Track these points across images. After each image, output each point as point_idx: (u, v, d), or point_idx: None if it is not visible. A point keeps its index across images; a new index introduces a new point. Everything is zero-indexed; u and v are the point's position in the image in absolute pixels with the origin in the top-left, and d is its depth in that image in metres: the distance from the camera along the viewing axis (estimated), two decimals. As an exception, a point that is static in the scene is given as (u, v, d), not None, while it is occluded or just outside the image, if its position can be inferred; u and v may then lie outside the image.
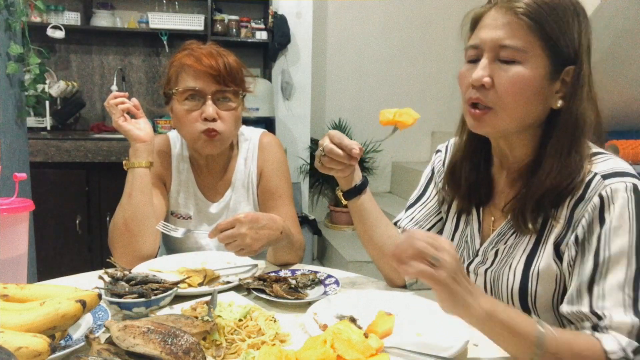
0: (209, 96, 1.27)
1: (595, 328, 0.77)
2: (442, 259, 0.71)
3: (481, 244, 0.98)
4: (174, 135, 1.44)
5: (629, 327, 0.74)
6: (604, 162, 0.84)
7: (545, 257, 0.86)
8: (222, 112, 1.28)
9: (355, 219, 1.12)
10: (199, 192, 1.41)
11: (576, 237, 0.82)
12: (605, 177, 0.80)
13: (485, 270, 0.96)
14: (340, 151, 0.98)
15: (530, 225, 0.87)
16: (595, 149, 0.87)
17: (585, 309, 0.78)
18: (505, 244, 0.93)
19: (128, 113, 1.27)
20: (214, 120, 1.27)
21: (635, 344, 0.74)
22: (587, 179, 0.82)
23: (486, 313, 0.73)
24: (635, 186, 0.79)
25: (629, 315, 0.75)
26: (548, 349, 0.73)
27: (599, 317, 0.77)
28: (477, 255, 0.99)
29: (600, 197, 0.79)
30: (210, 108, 1.26)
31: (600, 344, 0.74)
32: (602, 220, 0.79)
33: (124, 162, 1.26)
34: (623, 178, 0.79)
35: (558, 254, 0.85)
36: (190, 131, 1.29)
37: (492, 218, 0.99)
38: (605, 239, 0.78)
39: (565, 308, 0.82)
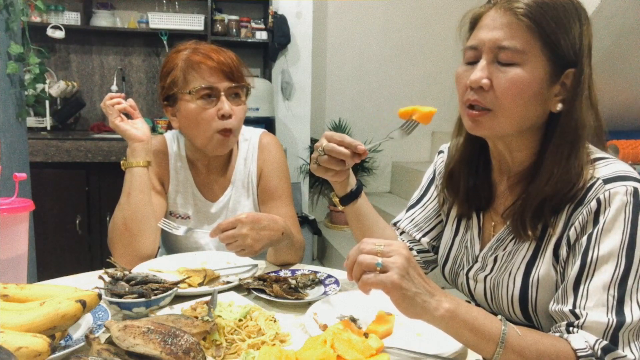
0: (223, 93, 1.27)
1: (568, 327, 0.77)
2: (386, 262, 0.71)
3: (481, 250, 0.97)
4: (170, 136, 1.44)
5: (604, 327, 0.74)
6: (606, 166, 0.82)
7: (545, 264, 0.85)
8: (234, 107, 1.29)
9: (352, 223, 1.12)
10: (197, 192, 1.41)
11: (568, 239, 0.81)
12: (606, 181, 0.79)
13: (485, 277, 0.95)
14: (342, 149, 0.95)
15: (530, 232, 0.86)
16: (598, 153, 0.86)
17: (567, 308, 0.78)
18: (504, 250, 0.92)
19: (125, 114, 1.28)
20: (230, 117, 1.27)
21: (605, 342, 0.73)
22: (589, 184, 0.80)
23: (447, 312, 0.72)
24: (636, 190, 0.77)
25: (608, 316, 0.74)
26: (512, 348, 0.73)
27: (577, 317, 0.76)
28: (476, 261, 0.98)
29: (598, 200, 0.78)
30: (226, 105, 1.26)
31: (569, 344, 0.74)
32: (595, 222, 0.78)
33: (121, 162, 1.26)
34: (625, 182, 0.78)
35: (558, 260, 0.84)
36: (205, 130, 1.28)
37: (493, 223, 0.97)
38: (595, 239, 0.77)
39: (551, 306, 0.82)
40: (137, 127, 1.26)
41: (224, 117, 1.27)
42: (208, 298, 0.96)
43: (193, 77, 1.27)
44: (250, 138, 1.45)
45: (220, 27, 3.44)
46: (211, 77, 1.26)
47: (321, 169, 1.00)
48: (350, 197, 1.08)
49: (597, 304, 0.75)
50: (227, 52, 1.30)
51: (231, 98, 1.29)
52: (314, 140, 3.78)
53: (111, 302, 0.92)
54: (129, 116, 1.29)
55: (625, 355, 0.73)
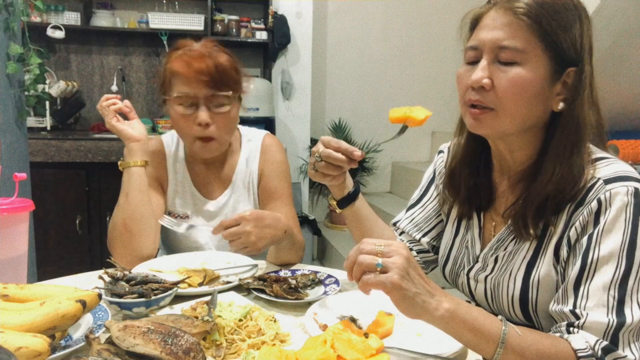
0: (201, 101, 1.25)
1: (568, 327, 0.77)
2: (386, 262, 0.71)
3: (481, 250, 0.97)
4: (168, 137, 1.45)
5: (605, 327, 0.74)
6: (607, 166, 0.82)
7: (545, 265, 0.85)
8: (216, 116, 1.27)
9: (352, 225, 1.12)
10: (195, 191, 1.41)
11: (569, 239, 0.81)
12: (607, 181, 0.79)
13: (486, 277, 0.95)
14: (339, 155, 0.96)
15: (531, 231, 0.86)
16: (599, 153, 0.86)
17: (567, 308, 0.78)
18: (505, 250, 0.92)
19: (122, 115, 1.28)
20: (207, 125, 1.26)
21: (606, 342, 0.73)
22: (589, 184, 0.80)
23: (447, 312, 0.72)
24: (636, 190, 0.77)
25: (609, 316, 0.74)
26: (512, 348, 0.73)
27: (577, 317, 0.76)
28: (477, 261, 0.98)
29: (599, 201, 0.78)
30: (203, 114, 1.25)
31: (569, 345, 0.74)
32: (596, 222, 0.78)
33: (119, 162, 1.26)
34: (626, 182, 0.78)
35: (558, 260, 0.84)
36: (186, 135, 1.30)
37: (493, 223, 0.97)
38: (596, 239, 0.77)
39: (551, 307, 0.82)
40: (134, 127, 1.27)
41: (200, 125, 1.26)
42: (208, 298, 0.96)
43: (174, 83, 1.27)
44: (253, 139, 1.46)
45: (220, 27, 3.44)
46: (189, 85, 1.24)
47: (319, 175, 1.01)
48: (348, 200, 1.08)
49: (597, 305, 0.75)
50: (218, 57, 1.25)
51: (213, 106, 1.27)
52: (314, 140, 3.79)
53: (111, 302, 0.92)
54: (125, 117, 1.29)
55: (626, 356, 0.73)
